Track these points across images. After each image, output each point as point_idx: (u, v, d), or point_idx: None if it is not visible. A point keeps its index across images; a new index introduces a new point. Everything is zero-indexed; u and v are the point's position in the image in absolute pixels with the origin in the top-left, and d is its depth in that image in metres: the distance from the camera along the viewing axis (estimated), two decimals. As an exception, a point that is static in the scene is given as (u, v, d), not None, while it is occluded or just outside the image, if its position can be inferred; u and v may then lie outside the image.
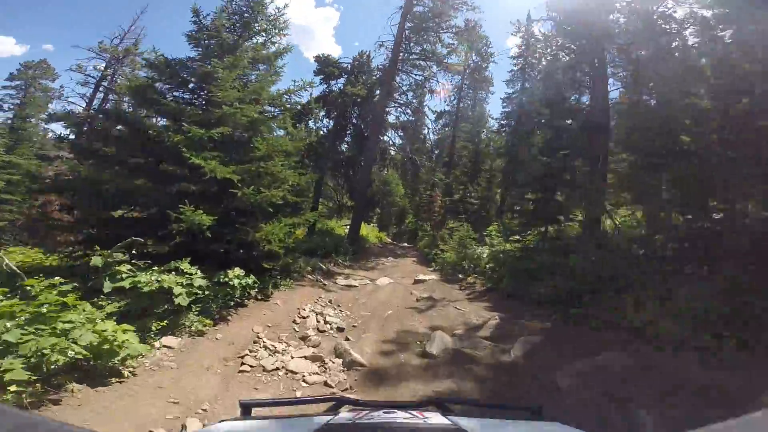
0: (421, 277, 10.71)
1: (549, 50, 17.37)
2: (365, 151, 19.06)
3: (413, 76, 20.99)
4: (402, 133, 21.44)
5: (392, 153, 22.23)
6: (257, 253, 6.43)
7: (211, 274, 5.68)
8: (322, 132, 21.04)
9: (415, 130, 21.91)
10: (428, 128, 21.91)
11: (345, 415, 1.13)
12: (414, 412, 1.07)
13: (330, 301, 7.93)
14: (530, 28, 26.15)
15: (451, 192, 20.34)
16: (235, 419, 1.12)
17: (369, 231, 22.44)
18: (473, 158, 17.35)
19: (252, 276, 6.25)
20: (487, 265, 10.26)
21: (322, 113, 22.25)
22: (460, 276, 10.67)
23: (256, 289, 6.54)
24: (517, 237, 11.08)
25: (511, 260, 10.16)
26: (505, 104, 26.92)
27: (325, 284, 9.31)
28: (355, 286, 9.48)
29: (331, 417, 1.06)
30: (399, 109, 21.48)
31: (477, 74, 28.28)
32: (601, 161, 12.32)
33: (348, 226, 19.56)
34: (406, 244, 24.67)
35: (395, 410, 1.10)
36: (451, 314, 7.41)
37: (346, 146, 22.85)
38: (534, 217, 11.28)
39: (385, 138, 22.12)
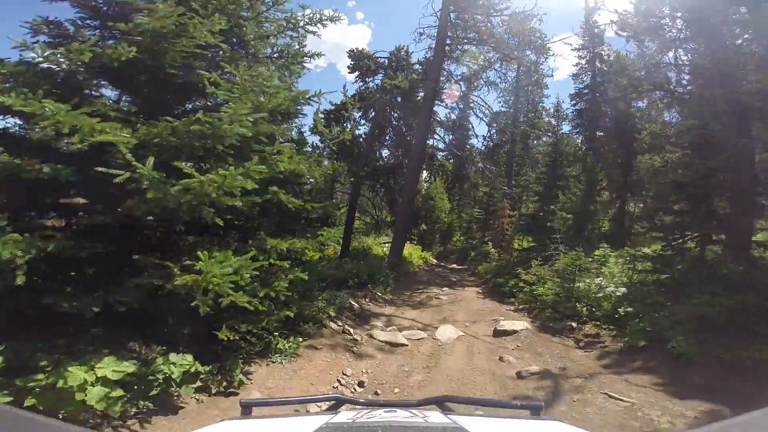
0: (505, 324, 6.86)
1: (645, 24, 13.30)
2: (410, 156, 15.68)
3: (466, 64, 17.51)
4: (451, 135, 17.87)
5: (440, 159, 18.63)
6: (200, 311, 2.99)
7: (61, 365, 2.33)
8: (358, 134, 18.05)
9: (465, 131, 18.30)
10: (489, 128, 18.13)
11: (345, 414, 1.07)
12: (414, 411, 1.04)
13: (361, 384, 4.35)
14: (592, 17, 22.30)
15: (514, 205, 16.35)
16: (236, 419, 1.06)
17: (412, 251, 18.82)
18: (551, 162, 13.36)
19: (188, 358, 2.85)
20: (622, 309, 6.27)
21: (358, 114, 19.44)
22: (573, 325, 6.70)
23: (200, 381, 3.12)
24: (657, 265, 7.05)
25: (657, 299, 6.17)
26: (574, 101, 22.84)
27: (355, 340, 5.75)
28: (403, 345, 5.81)
29: (332, 416, 1.01)
30: (449, 105, 18.02)
31: (534, 69, 24.36)
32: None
33: (388, 245, 16.13)
34: (455, 266, 20.69)
35: (395, 409, 1.08)
36: (609, 414, 3.62)
37: (387, 151, 19.65)
38: (678, 234, 7.30)
39: (432, 141, 18.69)
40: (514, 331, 6.63)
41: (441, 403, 1.23)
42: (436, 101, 17.04)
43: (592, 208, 10.02)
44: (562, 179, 13.40)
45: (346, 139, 13.53)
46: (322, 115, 16.24)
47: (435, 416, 1.00)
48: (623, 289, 6.50)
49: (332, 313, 6.13)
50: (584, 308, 6.81)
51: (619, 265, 7.98)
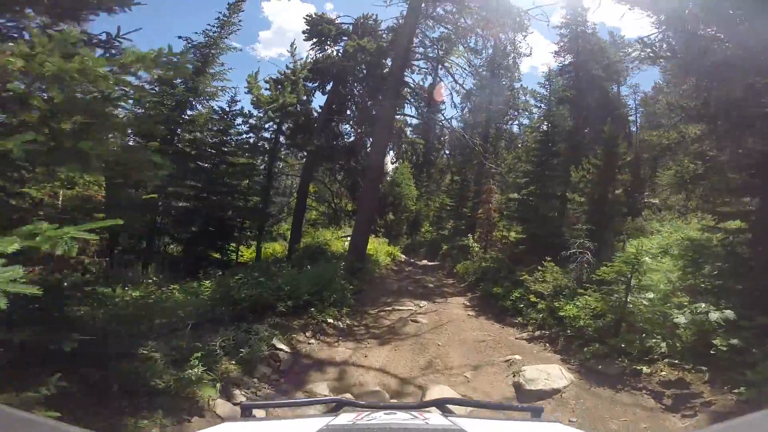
0: (534, 377, 4.12)
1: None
2: (376, 129, 12.70)
3: (444, 27, 14.62)
4: (425, 106, 14.96)
5: (409, 136, 15.74)
6: None
7: None
8: (311, 104, 14.78)
9: (437, 106, 15.50)
10: (465, 101, 15.34)
11: (345, 416, 1.06)
12: (415, 413, 1.03)
13: None
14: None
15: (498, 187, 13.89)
16: (237, 421, 1.07)
17: (378, 246, 15.99)
18: (543, 136, 11.03)
19: None
20: (719, 341, 3.73)
21: (313, 84, 16.19)
22: (643, 369, 4.06)
23: None
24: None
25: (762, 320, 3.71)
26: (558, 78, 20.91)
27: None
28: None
29: (332, 418, 1.01)
30: (421, 71, 15.12)
31: (512, 47, 21.96)
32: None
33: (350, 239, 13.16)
34: (426, 262, 18.11)
35: (396, 411, 1.07)
36: None
37: (348, 128, 16.47)
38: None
39: (400, 116, 15.71)
40: (555, 391, 3.92)
41: (441, 405, 1.20)
42: (408, 67, 14.09)
43: (613, 191, 7.57)
44: (557, 156, 11.05)
45: (288, 103, 10.27)
46: (266, 84, 12.88)
47: (435, 418, 1.00)
48: (730, 313, 3.90)
49: (214, 395, 3.04)
50: (661, 342, 4.20)
51: (677, 266, 5.49)
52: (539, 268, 6.86)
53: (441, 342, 5.51)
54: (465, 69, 13.72)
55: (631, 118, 25.34)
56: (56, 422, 0.57)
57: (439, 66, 14.13)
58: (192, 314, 4.20)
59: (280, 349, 4.41)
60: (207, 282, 6.12)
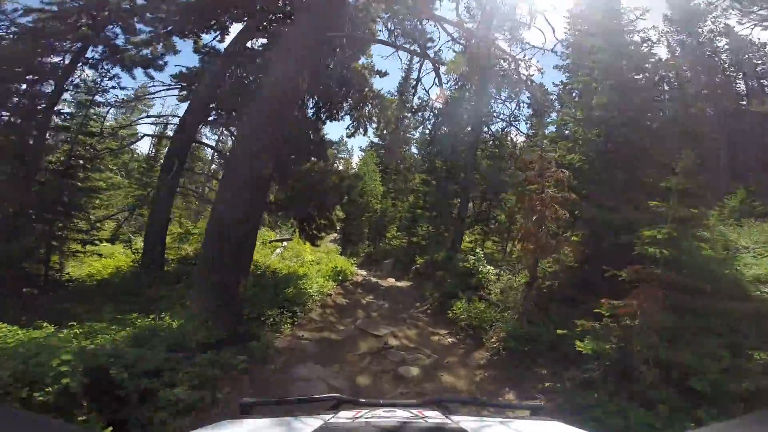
0: None
1: None
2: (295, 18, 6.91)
3: None
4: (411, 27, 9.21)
5: (375, 90, 9.93)
6: None
7: None
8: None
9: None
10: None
11: (345, 414, 1.06)
12: (414, 411, 1.02)
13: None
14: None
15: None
16: (236, 419, 1.06)
17: (323, 258, 10.14)
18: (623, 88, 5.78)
19: None
20: None
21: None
22: None
23: None
24: None
25: None
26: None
27: None
28: None
29: (331, 416, 1.01)
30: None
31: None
32: None
33: (279, 247, 6.80)
34: (393, 281, 12.47)
35: (395, 409, 1.05)
36: None
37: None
38: None
39: (365, 60, 9.87)
40: None
41: (441, 403, 1.18)
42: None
43: None
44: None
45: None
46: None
47: (434, 416, 0.97)
48: None
49: None
50: None
51: None
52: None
53: None
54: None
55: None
56: (58, 422, 0.68)
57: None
58: None
59: None
60: None
